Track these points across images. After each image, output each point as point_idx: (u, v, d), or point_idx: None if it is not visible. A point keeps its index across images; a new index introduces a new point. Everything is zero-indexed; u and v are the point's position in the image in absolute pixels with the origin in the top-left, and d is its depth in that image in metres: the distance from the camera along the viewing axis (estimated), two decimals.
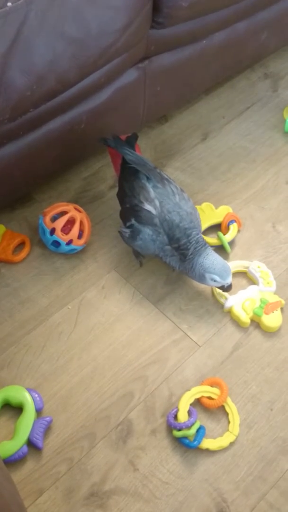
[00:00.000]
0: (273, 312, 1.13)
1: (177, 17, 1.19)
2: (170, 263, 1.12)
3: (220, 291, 1.14)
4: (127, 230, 1.14)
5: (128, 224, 1.13)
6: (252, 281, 1.21)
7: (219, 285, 1.10)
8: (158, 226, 1.09)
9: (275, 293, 1.18)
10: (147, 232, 1.10)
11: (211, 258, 1.07)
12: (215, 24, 1.30)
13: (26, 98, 1.03)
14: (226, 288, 1.11)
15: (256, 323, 1.15)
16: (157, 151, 1.43)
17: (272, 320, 1.13)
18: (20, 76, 1.00)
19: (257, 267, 1.20)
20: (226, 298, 1.16)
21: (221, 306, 1.17)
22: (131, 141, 1.20)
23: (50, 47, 1.02)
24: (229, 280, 1.09)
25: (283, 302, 1.16)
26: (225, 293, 1.15)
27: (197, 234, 1.10)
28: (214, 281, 1.08)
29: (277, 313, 1.14)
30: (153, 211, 1.09)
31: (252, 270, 1.20)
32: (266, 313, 1.13)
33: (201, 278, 1.10)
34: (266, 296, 1.16)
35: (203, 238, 1.11)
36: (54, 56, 1.03)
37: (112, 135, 1.18)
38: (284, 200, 1.35)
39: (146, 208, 1.10)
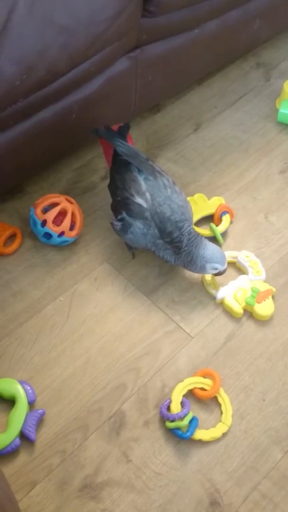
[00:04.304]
0: (265, 301, 1.14)
1: (168, 6, 1.18)
2: (164, 257, 1.12)
3: (209, 287, 1.16)
4: (118, 223, 1.13)
5: (119, 217, 1.13)
6: (241, 271, 1.21)
7: (217, 271, 1.11)
8: (149, 220, 1.08)
9: (265, 281, 1.18)
10: (137, 225, 1.09)
11: (210, 249, 1.09)
12: (207, 13, 1.29)
13: (15, 88, 1.02)
14: (222, 272, 1.12)
15: (248, 312, 1.15)
16: (149, 142, 1.42)
17: (264, 308, 1.13)
18: (9, 65, 0.99)
19: (245, 257, 1.19)
20: (217, 290, 1.16)
21: (214, 297, 1.17)
22: (123, 132, 1.18)
23: (39, 36, 1.01)
24: (226, 265, 1.11)
25: (273, 289, 1.16)
26: (217, 285, 1.16)
27: (189, 226, 1.09)
28: (216, 269, 1.10)
29: (269, 301, 1.14)
30: (144, 205, 1.09)
31: (241, 260, 1.19)
32: (258, 302, 1.13)
33: (202, 269, 1.11)
34: (257, 285, 1.16)
35: (194, 229, 1.11)
36: (44, 45, 1.02)
37: (104, 125, 1.16)
38: (277, 190, 1.34)
39: (137, 201, 1.09)
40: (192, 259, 1.09)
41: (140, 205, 1.09)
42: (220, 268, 1.10)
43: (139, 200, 1.09)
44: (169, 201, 1.09)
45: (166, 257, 1.12)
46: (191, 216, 1.13)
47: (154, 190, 1.09)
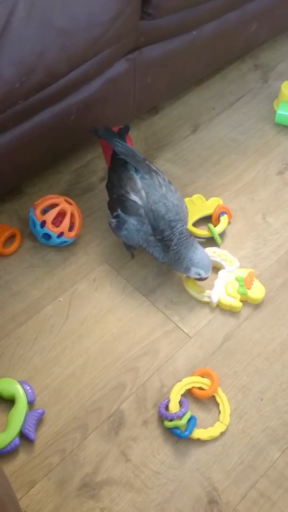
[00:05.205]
0: (253, 284, 1.15)
1: (166, 8, 1.19)
2: (153, 253, 1.13)
3: (190, 289, 1.16)
4: (114, 220, 1.14)
5: (114, 214, 1.14)
6: (217, 267, 1.21)
7: (199, 277, 1.12)
8: (143, 217, 1.10)
9: (241, 266, 1.19)
10: (132, 222, 1.11)
11: (200, 254, 1.10)
12: (205, 15, 1.29)
13: (15, 90, 1.02)
14: (203, 279, 1.13)
15: (245, 302, 1.16)
16: (148, 143, 1.43)
17: (257, 291, 1.15)
18: (9, 67, 1.00)
19: (213, 253, 1.20)
20: (199, 293, 1.16)
21: (209, 302, 1.17)
22: (122, 133, 1.20)
23: (39, 38, 1.02)
24: (209, 273, 1.13)
25: (253, 270, 1.18)
26: (207, 292, 1.16)
27: (182, 227, 1.10)
28: (198, 274, 1.11)
29: (256, 282, 1.16)
30: (139, 202, 1.10)
31: (211, 258, 1.20)
32: (249, 288, 1.15)
33: (186, 270, 1.12)
34: (238, 273, 1.17)
35: (187, 230, 1.12)
36: (43, 48, 1.02)
37: (103, 126, 1.18)
38: (274, 191, 1.35)
39: (132, 198, 1.10)
40: (180, 259, 1.10)
41: (135, 202, 1.10)
42: (203, 275, 1.11)
43: (134, 197, 1.10)
44: (164, 199, 1.10)
45: (155, 254, 1.13)
46: (186, 216, 1.14)
47: (150, 188, 1.10)
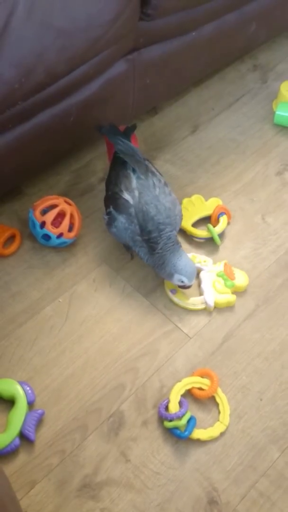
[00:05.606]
0: (234, 274, 1.17)
1: (165, 9, 1.19)
2: (139, 253, 1.14)
3: (174, 298, 1.16)
4: (106, 217, 1.15)
5: (107, 210, 1.15)
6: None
7: (183, 284, 1.12)
8: (132, 216, 1.10)
9: (214, 262, 1.20)
10: (121, 220, 1.11)
11: (184, 260, 1.10)
12: (204, 16, 1.30)
13: (14, 91, 1.02)
14: (187, 287, 1.13)
15: (236, 292, 1.18)
16: (147, 144, 1.43)
17: (241, 278, 1.17)
18: (9, 68, 1.00)
19: None
20: (203, 302, 1.16)
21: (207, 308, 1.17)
22: (128, 132, 1.21)
23: (38, 39, 1.02)
24: (193, 281, 1.12)
25: (226, 260, 1.19)
26: (198, 299, 1.16)
27: (170, 231, 1.10)
28: (181, 282, 1.11)
29: (236, 270, 1.18)
30: (131, 201, 1.10)
31: None
32: (233, 279, 1.16)
33: (169, 276, 1.11)
34: (215, 269, 1.18)
35: (176, 236, 1.12)
36: (43, 48, 1.03)
37: (109, 123, 1.18)
38: (274, 192, 1.35)
39: (124, 197, 1.11)
40: (164, 263, 1.10)
41: (126, 200, 1.11)
42: (186, 282, 1.11)
43: (126, 196, 1.11)
44: (156, 201, 1.10)
45: (141, 254, 1.13)
46: (177, 221, 1.13)
47: (144, 188, 1.11)
